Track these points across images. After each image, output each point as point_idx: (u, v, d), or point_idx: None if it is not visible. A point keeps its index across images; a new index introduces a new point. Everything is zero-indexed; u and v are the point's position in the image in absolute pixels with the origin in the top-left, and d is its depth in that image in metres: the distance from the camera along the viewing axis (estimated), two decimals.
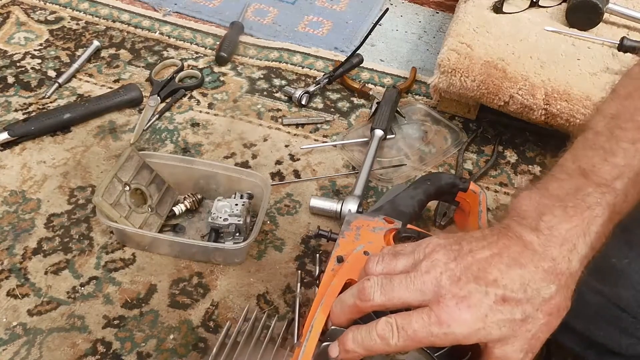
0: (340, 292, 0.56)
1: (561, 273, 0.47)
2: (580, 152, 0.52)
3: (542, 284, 0.46)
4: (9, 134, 0.98)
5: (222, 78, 1.16)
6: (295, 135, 1.06)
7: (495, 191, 1.00)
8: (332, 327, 0.54)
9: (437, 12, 1.41)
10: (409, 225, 0.67)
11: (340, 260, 0.61)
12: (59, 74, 1.12)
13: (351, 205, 0.89)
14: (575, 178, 0.50)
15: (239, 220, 0.85)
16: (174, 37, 1.24)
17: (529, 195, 0.50)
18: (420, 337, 0.47)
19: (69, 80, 1.12)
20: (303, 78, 1.18)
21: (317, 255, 0.85)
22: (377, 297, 0.49)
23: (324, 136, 1.07)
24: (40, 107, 1.06)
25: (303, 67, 1.20)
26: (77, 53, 1.17)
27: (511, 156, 1.06)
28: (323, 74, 1.17)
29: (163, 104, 1.09)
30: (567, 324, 0.49)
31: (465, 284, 0.46)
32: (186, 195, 0.92)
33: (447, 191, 0.84)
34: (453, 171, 1.02)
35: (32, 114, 1.03)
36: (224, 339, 0.64)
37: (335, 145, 1.04)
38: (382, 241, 0.64)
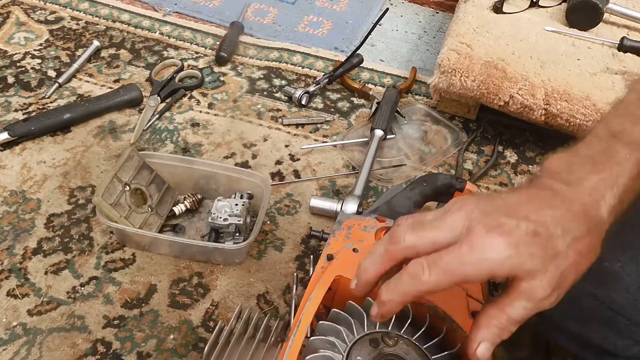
0: (329, 288, 0.57)
1: (592, 217, 0.47)
2: (611, 118, 0.54)
3: (573, 224, 0.46)
4: (9, 134, 0.98)
5: (222, 78, 1.16)
6: (295, 135, 1.06)
7: (495, 191, 1.00)
8: (321, 322, 0.55)
9: (437, 12, 1.41)
10: None
11: (330, 258, 0.62)
12: (59, 74, 1.12)
13: (351, 205, 0.89)
14: (604, 140, 0.51)
15: (239, 220, 0.85)
16: (174, 37, 1.24)
17: (559, 156, 0.52)
18: (452, 269, 0.46)
19: (69, 80, 1.12)
20: (303, 78, 1.18)
21: (312, 256, 0.85)
22: (407, 237, 0.48)
23: (324, 136, 1.07)
24: (40, 107, 1.06)
25: (303, 67, 1.20)
26: (77, 53, 1.18)
27: (511, 156, 1.06)
28: (323, 74, 1.17)
29: (163, 104, 1.09)
30: (564, 326, 0.49)
31: (497, 218, 0.46)
32: (186, 195, 0.92)
33: (443, 191, 0.84)
34: (453, 171, 1.02)
35: (32, 114, 1.03)
36: (216, 338, 0.64)
37: (335, 145, 1.04)
38: (373, 239, 0.65)
